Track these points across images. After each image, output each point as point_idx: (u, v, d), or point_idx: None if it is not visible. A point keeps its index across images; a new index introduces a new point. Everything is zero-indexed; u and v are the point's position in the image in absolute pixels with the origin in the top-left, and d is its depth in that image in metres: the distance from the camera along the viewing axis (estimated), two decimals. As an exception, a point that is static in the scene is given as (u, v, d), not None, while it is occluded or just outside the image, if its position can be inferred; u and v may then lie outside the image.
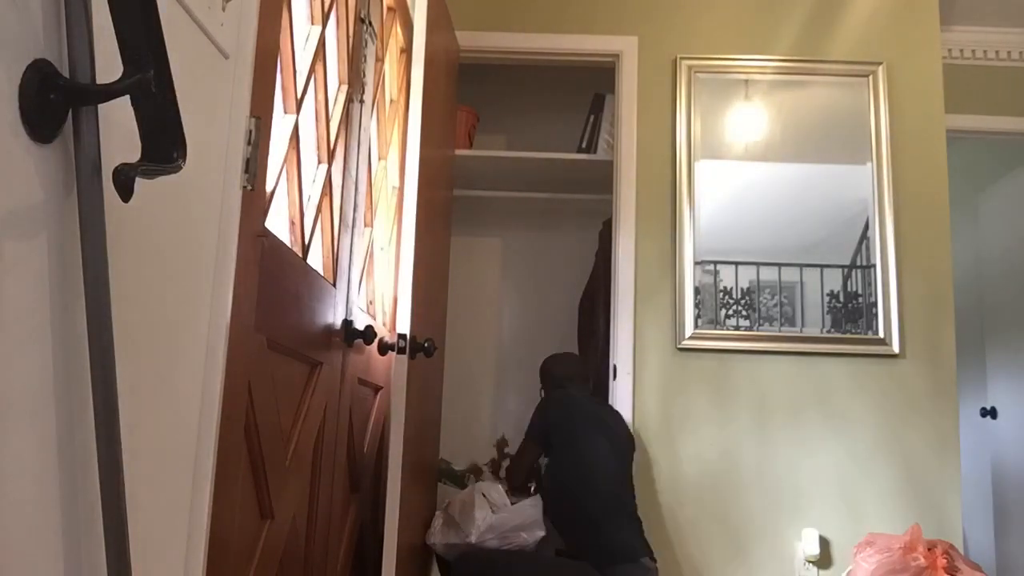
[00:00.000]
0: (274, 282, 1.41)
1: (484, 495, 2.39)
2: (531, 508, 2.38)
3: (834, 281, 2.96)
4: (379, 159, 2.36)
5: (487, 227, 3.73)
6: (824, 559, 2.75)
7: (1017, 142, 3.66)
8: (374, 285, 2.31)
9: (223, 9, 1.13)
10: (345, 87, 1.91)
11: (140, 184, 0.82)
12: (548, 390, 2.80)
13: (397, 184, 2.47)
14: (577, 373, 2.82)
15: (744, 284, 2.94)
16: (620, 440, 2.58)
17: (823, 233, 2.99)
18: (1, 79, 0.71)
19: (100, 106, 0.81)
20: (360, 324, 1.95)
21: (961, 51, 3.57)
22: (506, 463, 2.87)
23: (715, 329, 2.91)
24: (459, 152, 3.18)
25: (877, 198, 2.98)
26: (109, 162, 0.81)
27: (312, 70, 1.71)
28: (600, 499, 2.40)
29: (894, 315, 2.90)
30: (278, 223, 1.58)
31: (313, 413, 1.66)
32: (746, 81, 3.07)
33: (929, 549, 2.24)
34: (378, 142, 2.33)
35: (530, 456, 2.60)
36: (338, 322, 1.81)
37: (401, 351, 2.04)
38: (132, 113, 0.82)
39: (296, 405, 1.60)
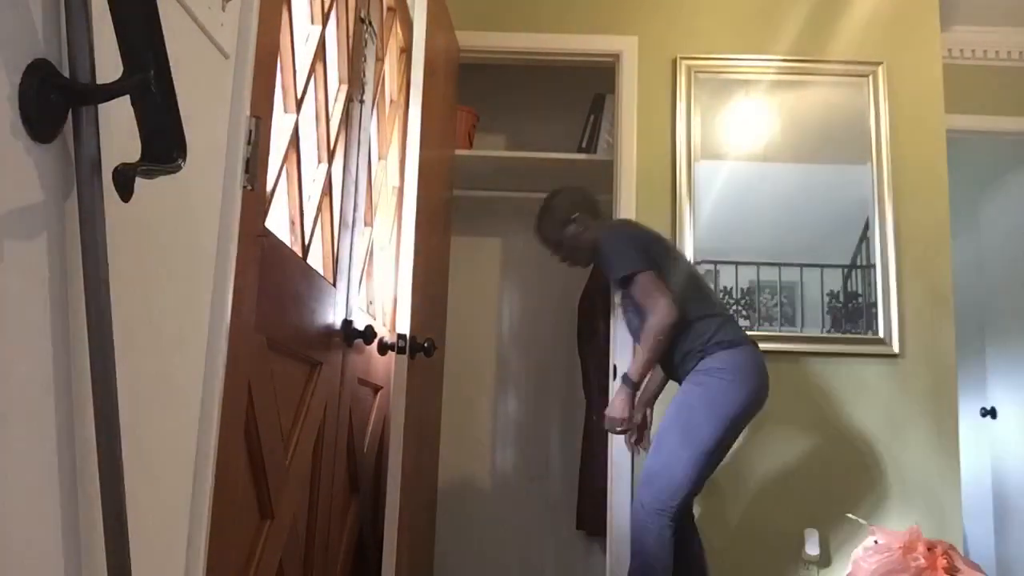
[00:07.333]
0: (274, 282, 1.41)
1: None
2: None
3: (834, 281, 2.96)
4: (379, 159, 2.36)
5: (487, 227, 3.73)
6: (824, 559, 2.75)
7: (1017, 142, 3.66)
8: (374, 285, 2.31)
9: (223, 9, 1.13)
10: (345, 87, 1.91)
11: (140, 184, 0.82)
12: (580, 224, 2.54)
13: (397, 184, 2.47)
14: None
15: (744, 284, 2.94)
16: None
17: (823, 233, 2.98)
18: (1, 79, 0.71)
19: (100, 106, 0.81)
20: (360, 324, 1.95)
21: (961, 51, 3.56)
22: None
23: (715, 329, 2.90)
24: (459, 152, 3.17)
25: (877, 198, 2.98)
26: (109, 162, 0.81)
27: (312, 70, 1.71)
28: (714, 298, 2.43)
29: (894, 315, 2.89)
30: (278, 223, 1.57)
31: (313, 413, 1.66)
32: (746, 81, 3.07)
33: (929, 549, 2.24)
34: (378, 142, 2.32)
35: (661, 286, 2.26)
36: (338, 322, 1.81)
37: (401, 351, 2.04)
38: (132, 113, 0.82)
39: (296, 405, 1.60)
